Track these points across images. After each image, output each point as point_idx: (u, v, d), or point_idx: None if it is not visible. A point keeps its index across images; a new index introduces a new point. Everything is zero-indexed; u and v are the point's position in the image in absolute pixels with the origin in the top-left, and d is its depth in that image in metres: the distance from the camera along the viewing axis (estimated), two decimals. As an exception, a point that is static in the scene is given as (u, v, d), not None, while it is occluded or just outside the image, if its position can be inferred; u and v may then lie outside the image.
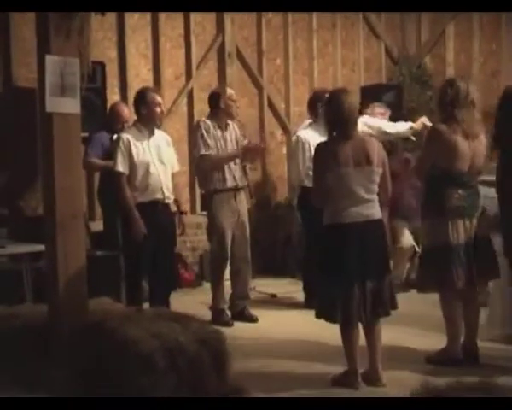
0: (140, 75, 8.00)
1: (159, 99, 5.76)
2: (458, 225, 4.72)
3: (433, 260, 4.78)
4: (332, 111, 4.48)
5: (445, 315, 4.87)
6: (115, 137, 6.03)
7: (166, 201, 5.77)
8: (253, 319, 6.25)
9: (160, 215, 5.67)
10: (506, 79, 8.70)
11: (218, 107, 6.25)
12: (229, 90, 6.42)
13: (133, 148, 5.63)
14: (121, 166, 5.61)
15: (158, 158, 5.71)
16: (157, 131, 5.84)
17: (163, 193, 5.71)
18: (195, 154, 6.27)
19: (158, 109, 5.71)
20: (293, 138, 6.88)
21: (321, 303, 4.50)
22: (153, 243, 5.63)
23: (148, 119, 5.71)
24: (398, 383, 4.41)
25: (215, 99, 6.30)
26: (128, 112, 6.96)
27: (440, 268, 4.73)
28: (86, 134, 6.41)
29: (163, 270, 5.75)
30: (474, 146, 4.75)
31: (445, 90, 4.78)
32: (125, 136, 5.68)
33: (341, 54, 9.72)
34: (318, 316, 4.53)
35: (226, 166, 6.17)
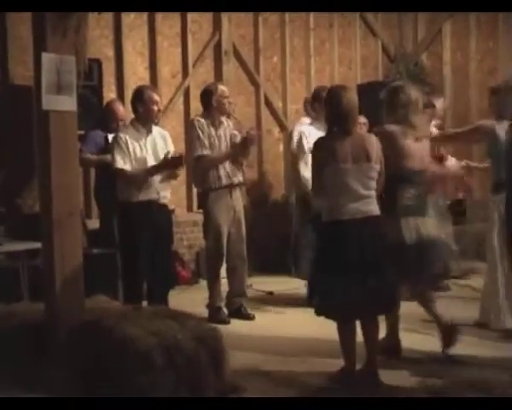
0: (137, 73, 8.00)
1: (156, 97, 5.73)
2: (409, 223, 4.79)
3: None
4: (331, 107, 4.49)
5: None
6: (112, 136, 6.01)
7: (162, 200, 5.74)
8: (249, 317, 6.24)
9: (155, 214, 5.64)
10: (503, 76, 8.70)
11: (211, 104, 6.23)
12: (221, 87, 6.34)
13: (130, 146, 5.61)
14: (120, 164, 5.58)
15: (154, 157, 5.69)
16: (155, 128, 5.81)
17: (158, 193, 5.68)
18: (192, 155, 6.24)
19: (155, 107, 5.69)
20: (297, 134, 6.84)
21: (321, 301, 4.49)
22: (150, 242, 5.62)
23: (145, 117, 5.69)
24: (396, 381, 4.42)
25: (207, 97, 6.27)
26: (123, 110, 6.94)
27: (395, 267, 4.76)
28: (82, 132, 6.41)
29: (161, 268, 5.73)
30: (422, 147, 4.91)
31: (397, 95, 4.91)
32: (122, 135, 5.66)
33: (338, 52, 9.73)
34: (318, 313, 4.53)
35: (220, 165, 6.16)
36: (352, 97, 4.51)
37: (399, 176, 4.76)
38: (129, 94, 7.54)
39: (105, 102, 7.21)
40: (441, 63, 10.11)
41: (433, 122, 7.69)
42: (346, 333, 4.44)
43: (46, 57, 4.19)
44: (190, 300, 6.70)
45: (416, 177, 4.86)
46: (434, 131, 7.02)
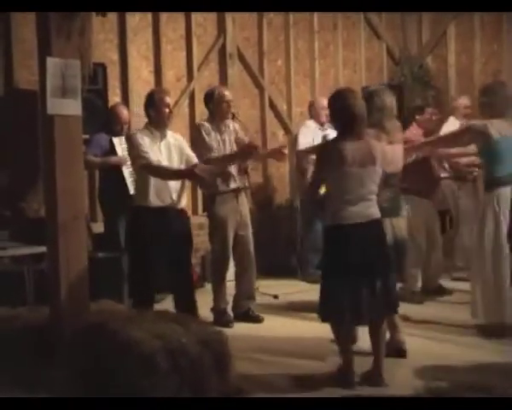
0: (141, 77, 8.00)
1: (167, 100, 5.63)
2: (385, 224, 4.83)
3: None
4: (338, 110, 4.49)
5: None
6: (123, 137, 5.96)
7: (177, 206, 5.60)
8: (258, 320, 6.23)
9: (171, 220, 5.51)
10: (508, 79, 8.69)
11: (211, 108, 6.20)
12: (220, 91, 6.28)
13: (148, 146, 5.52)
14: (153, 159, 5.40)
15: (169, 162, 5.55)
16: (169, 133, 5.68)
17: (172, 198, 5.54)
18: (198, 158, 6.16)
19: (166, 110, 5.60)
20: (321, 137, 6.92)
21: (325, 306, 4.48)
22: (166, 248, 5.45)
23: (157, 120, 5.57)
24: (400, 383, 4.42)
25: (207, 101, 6.25)
26: (127, 114, 6.97)
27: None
28: (87, 136, 6.42)
29: (181, 276, 5.61)
30: (395, 150, 4.98)
31: (371, 99, 4.94)
32: (139, 134, 5.53)
33: (343, 54, 9.72)
34: (323, 319, 4.53)
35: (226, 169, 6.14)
36: (359, 100, 4.52)
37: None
38: (133, 98, 7.58)
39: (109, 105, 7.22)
40: (446, 66, 10.10)
41: (452, 118, 7.81)
42: (341, 332, 4.46)
43: (51, 62, 4.21)
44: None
45: (391, 179, 4.89)
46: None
